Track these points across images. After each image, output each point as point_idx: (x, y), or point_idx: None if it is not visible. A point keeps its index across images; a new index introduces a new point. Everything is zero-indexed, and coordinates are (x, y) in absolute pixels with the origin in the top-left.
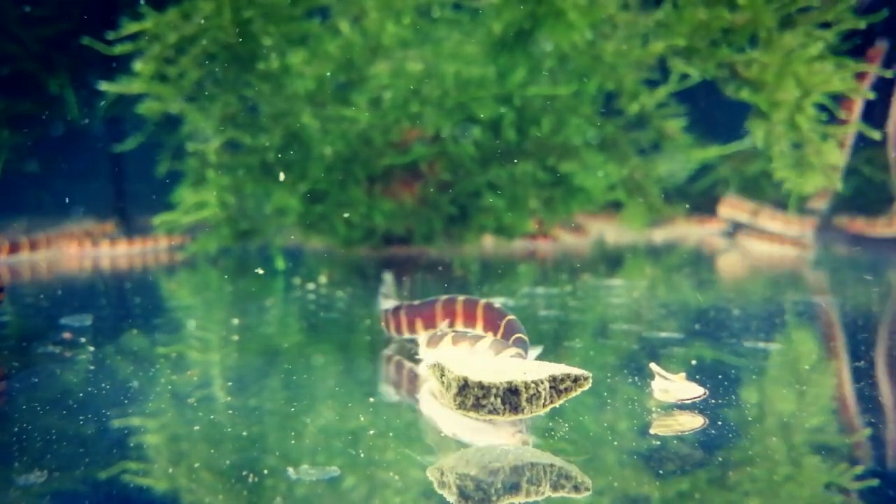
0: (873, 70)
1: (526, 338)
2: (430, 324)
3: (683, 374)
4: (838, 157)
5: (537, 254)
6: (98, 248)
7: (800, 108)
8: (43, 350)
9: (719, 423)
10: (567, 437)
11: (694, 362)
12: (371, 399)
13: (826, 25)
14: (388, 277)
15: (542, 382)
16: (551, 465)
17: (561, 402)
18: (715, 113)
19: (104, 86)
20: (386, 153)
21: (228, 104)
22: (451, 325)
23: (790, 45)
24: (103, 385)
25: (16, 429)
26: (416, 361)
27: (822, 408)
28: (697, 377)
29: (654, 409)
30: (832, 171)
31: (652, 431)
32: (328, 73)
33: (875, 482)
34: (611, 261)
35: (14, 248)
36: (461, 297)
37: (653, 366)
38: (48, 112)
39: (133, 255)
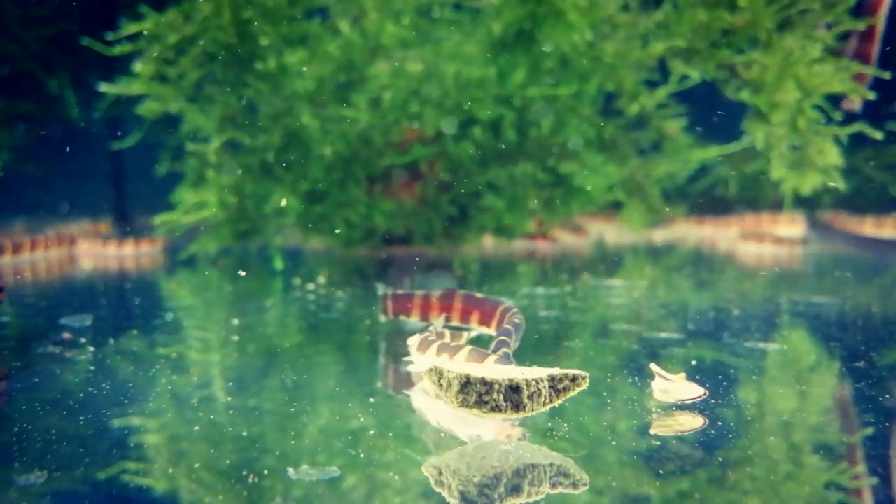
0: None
1: (510, 350)
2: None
3: (683, 375)
4: (838, 157)
5: (537, 254)
6: (107, 248)
7: (800, 109)
8: (43, 350)
9: (719, 423)
10: (567, 437)
11: (694, 362)
12: (371, 399)
13: (825, 27)
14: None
15: (542, 381)
16: (550, 464)
17: (560, 401)
18: (715, 113)
19: (104, 87)
20: (386, 153)
21: (228, 105)
22: (448, 318)
23: (790, 46)
24: (103, 385)
25: (16, 429)
26: (408, 363)
27: (822, 408)
28: (697, 377)
29: (654, 409)
30: (833, 170)
31: (652, 432)
32: (328, 74)
33: (875, 482)
34: (611, 261)
35: (17, 249)
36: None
37: (653, 366)
38: (48, 112)
39: (145, 254)
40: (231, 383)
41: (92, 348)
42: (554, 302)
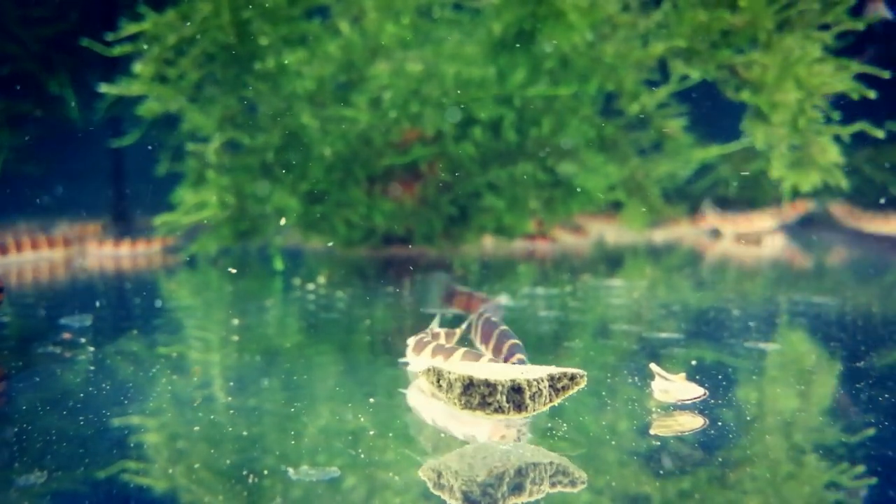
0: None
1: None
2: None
3: (683, 375)
4: (839, 155)
5: (537, 254)
6: (113, 248)
7: (801, 109)
8: (43, 350)
9: (719, 423)
10: (567, 437)
11: (694, 363)
12: (371, 399)
13: (825, 27)
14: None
15: (543, 381)
16: (550, 463)
17: (559, 400)
18: (715, 113)
19: (104, 88)
20: (386, 153)
21: (228, 105)
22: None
23: (790, 46)
24: (103, 385)
25: (16, 429)
26: (404, 364)
27: (821, 408)
28: (697, 377)
29: (654, 409)
30: (834, 168)
31: (652, 432)
32: (328, 74)
33: (874, 482)
34: (611, 261)
35: (20, 248)
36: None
37: (653, 366)
38: (48, 112)
39: (150, 254)
40: (231, 383)
41: (92, 348)
42: (554, 302)
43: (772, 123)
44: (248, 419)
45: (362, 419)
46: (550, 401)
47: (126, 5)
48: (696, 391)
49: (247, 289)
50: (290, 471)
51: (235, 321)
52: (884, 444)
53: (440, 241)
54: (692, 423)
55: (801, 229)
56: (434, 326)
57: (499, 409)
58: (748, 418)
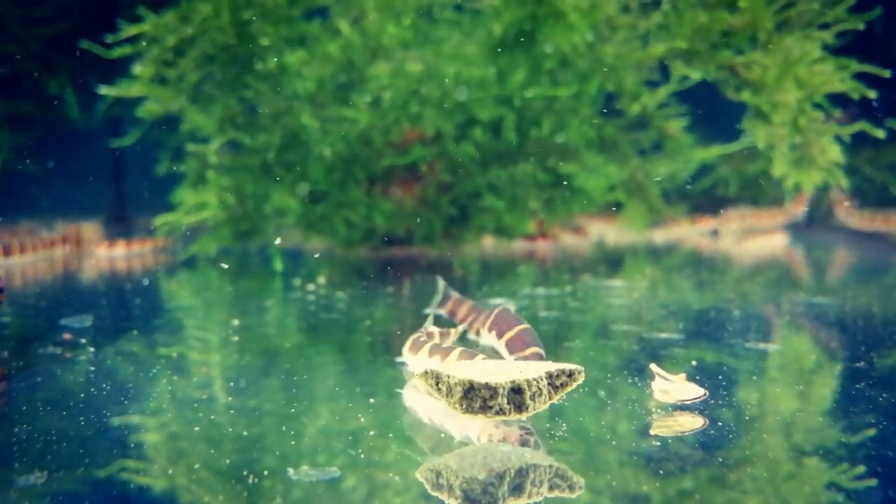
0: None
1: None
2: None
3: (683, 375)
4: (840, 154)
5: (537, 255)
6: (115, 248)
7: (801, 109)
8: (43, 351)
9: (719, 423)
10: (567, 437)
11: (694, 363)
12: (371, 399)
13: (825, 26)
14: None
15: (542, 379)
16: (549, 466)
17: (558, 397)
18: (715, 113)
19: (104, 90)
20: (386, 153)
21: (228, 105)
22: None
23: (790, 47)
24: (104, 386)
25: (16, 429)
26: (401, 364)
27: (821, 408)
28: (697, 378)
29: (654, 409)
30: (835, 167)
31: (652, 432)
32: (328, 74)
33: (874, 482)
34: (611, 262)
35: (23, 249)
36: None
37: (653, 366)
38: (48, 112)
39: (146, 254)
40: (231, 384)
41: (92, 349)
42: (554, 302)
43: (772, 123)
44: (248, 419)
45: (362, 419)
46: (550, 399)
47: (126, 5)
48: (696, 391)
49: (247, 289)
50: (291, 471)
51: (235, 321)
52: (884, 444)
53: (440, 241)
54: (692, 423)
55: (801, 229)
56: (428, 326)
57: (500, 412)
58: (748, 419)
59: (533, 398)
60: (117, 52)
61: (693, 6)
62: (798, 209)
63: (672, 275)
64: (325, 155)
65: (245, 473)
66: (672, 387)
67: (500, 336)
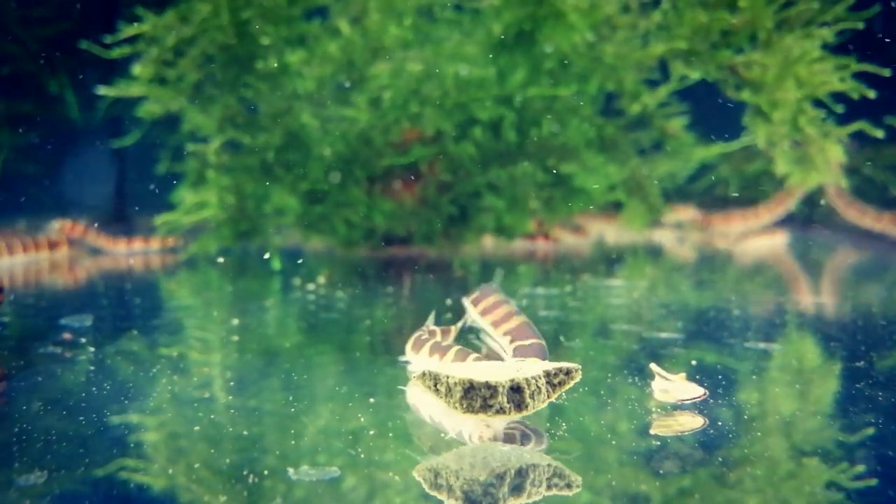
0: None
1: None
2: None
3: (683, 375)
4: (840, 153)
5: (537, 254)
6: (118, 246)
7: (801, 108)
8: (43, 350)
9: (719, 423)
10: (567, 437)
11: (694, 363)
12: (371, 399)
13: (824, 25)
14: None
15: (540, 378)
16: (548, 465)
17: (556, 395)
18: (715, 112)
19: (103, 90)
20: (386, 153)
21: (228, 105)
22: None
23: (789, 46)
24: (104, 385)
25: (16, 429)
26: (403, 363)
27: (821, 408)
28: (697, 377)
29: (654, 409)
30: (835, 167)
31: (652, 432)
32: (328, 74)
33: (874, 482)
34: (611, 261)
35: (26, 248)
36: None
37: (653, 366)
38: (48, 112)
39: (149, 254)
40: (231, 383)
41: (92, 348)
42: (554, 302)
43: (773, 122)
44: (248, 419)
45: (362, 419)
46: (549, 397)
47: (125, 5)
48: (696, 391)
49: (247, 289)
50: (291, 471)
51: (235, 321)
52: (884, 443)
53: (440, 241)
54: (692, 423)
55: (801, 229)
56: (429, 324)
57: (500, 411)
58: (748, 418)
59: (532, 396)
60: (117, 53)
61: (693, 6)
62: (788, 203)
63: (672, 274)
64: (325, 154)
65: (245, 473)
66: (672, 386)
67: (496, 326)
